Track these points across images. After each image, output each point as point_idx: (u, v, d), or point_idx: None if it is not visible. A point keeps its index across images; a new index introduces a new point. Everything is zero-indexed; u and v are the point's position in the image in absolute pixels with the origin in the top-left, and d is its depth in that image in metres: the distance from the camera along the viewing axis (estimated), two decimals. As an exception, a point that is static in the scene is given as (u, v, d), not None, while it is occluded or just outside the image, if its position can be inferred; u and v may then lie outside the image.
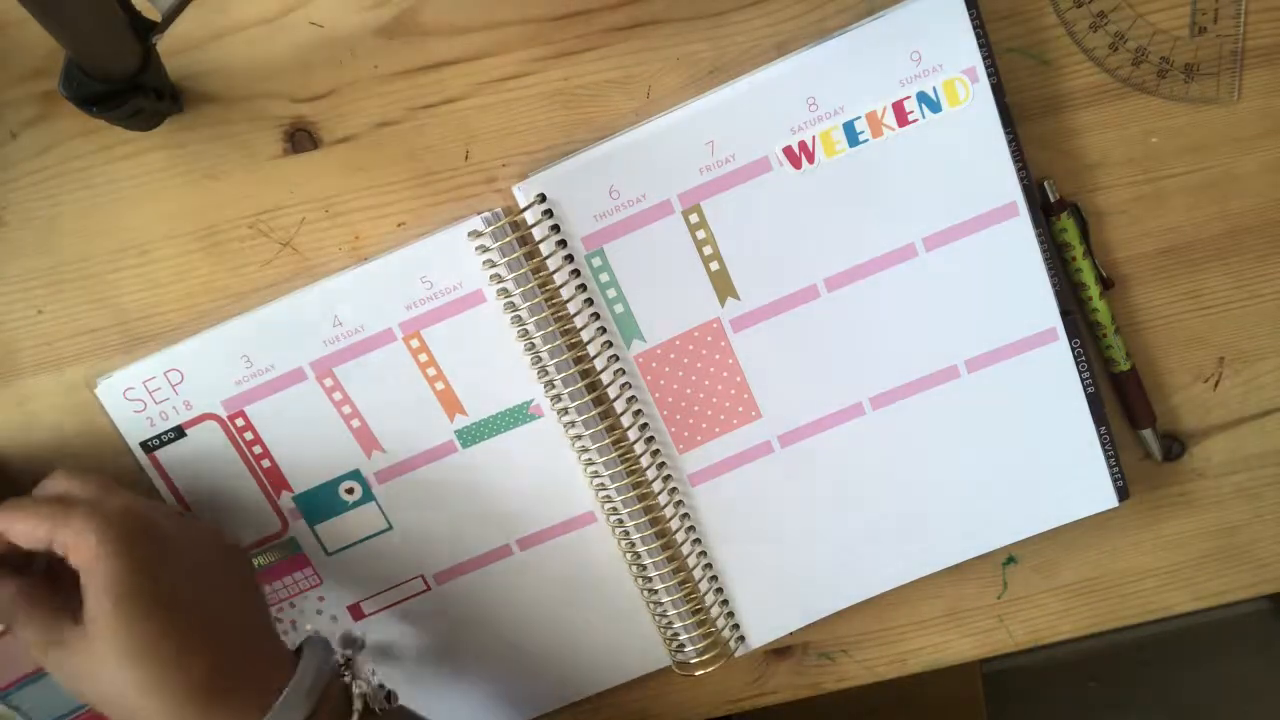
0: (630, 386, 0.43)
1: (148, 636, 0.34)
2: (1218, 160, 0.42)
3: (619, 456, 0.43)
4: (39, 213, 0.42)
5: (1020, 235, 0.41)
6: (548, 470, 0.44)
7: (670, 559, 0.44)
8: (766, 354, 0.43)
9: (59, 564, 0.36)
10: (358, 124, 0.41)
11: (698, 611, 0.45)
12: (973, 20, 0.39)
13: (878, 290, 0.42)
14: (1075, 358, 0.43)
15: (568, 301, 0.41)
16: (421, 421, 0.43)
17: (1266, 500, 0.47)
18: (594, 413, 0.42)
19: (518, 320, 0.41)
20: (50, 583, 0.37)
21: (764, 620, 0.46)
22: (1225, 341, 0.45)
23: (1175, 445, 0.46)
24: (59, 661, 0.36)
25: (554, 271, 0.41)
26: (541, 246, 0.41)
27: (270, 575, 0.45)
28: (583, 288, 0.42)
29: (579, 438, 0.43)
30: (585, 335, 0.42)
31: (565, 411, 0.42)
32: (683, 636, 0.45)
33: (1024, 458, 0.44)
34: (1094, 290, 0.43)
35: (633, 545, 0.44)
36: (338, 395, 0.43)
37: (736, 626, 0.46)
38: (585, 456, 0.43)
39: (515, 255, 0.41)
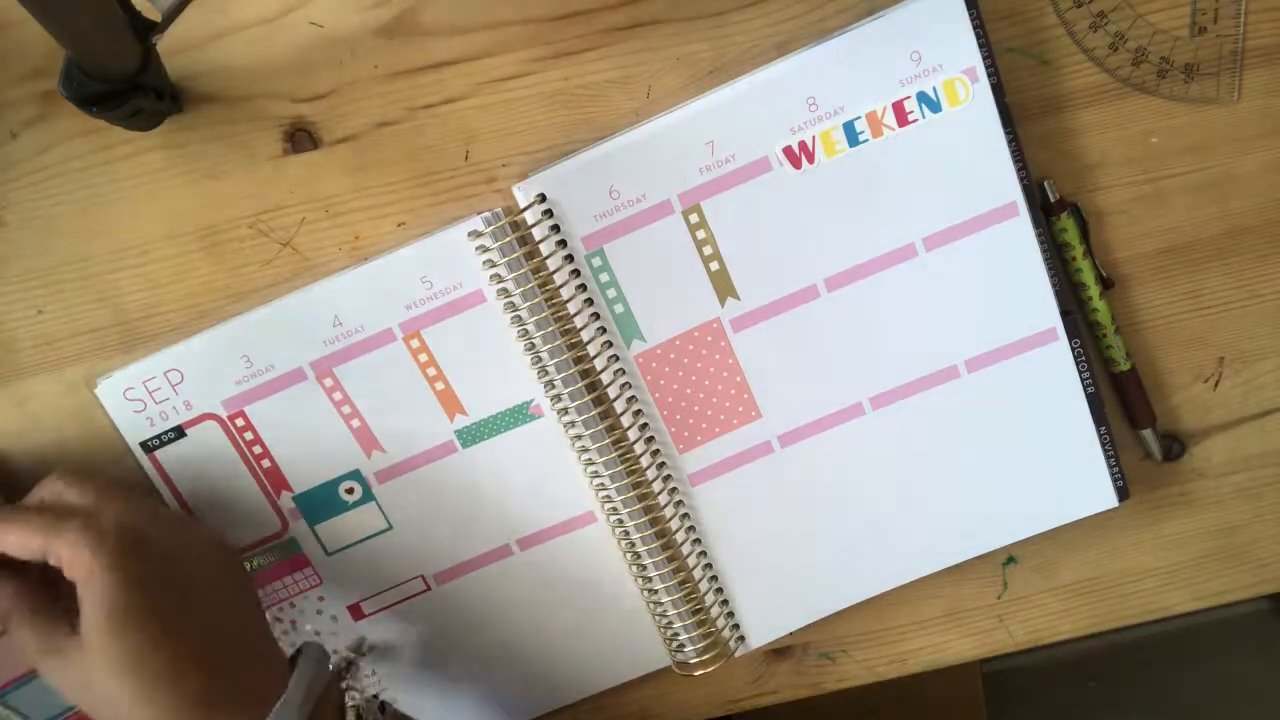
0: (630, 386, 0.43)
1: (142, 649, 0.34)
2: (1218, 160, 0.42)
3: (619, 456, 0.43)
4: (39, 213, 0.42)
5: (1020, 235, 0.41)
6: (548, 470, 0.44)
7: (670, 559, 0.44)
8: (766, 354, 0.43)
9: (56, 569, 0.36)
10: (358, 124, 0.41)
11: (698, 611, 0.45)
12: (973, 20, 0.39)
13: (878, 290, 0.42)
14: (1075, 358, 0.43)
15: (568, 301, 0.41)
16: (421, 421, 0.43)
17: (1266, 500, 0.47)
18: (594, 413, 0.42)
19: (518, 320, 0.41)
20: (47, 587, 0.37)
21: (764, 620, 0.46)
22: (1225, 341, 0.45)
23: (1175, 445, 0.46)
24: (55, 669, 0.36)
25: (554, 271, 0.41)
26: (541, 246, 0.41)
27: (270, 575, 0.45)
28: (583, 288, 0.42)
29: (579, 438, 0.43)
30: (585, 335, 0.42)
31: (565, 411, 0.42)
32: (683, 636, 0.45)
33: (1024, 458, 0.44)
34: (1094, 290, 0.43)
35: (633, 545, 0.44)
36: (338, 395, 0.43)
37: (736, 626, 0.46)
38: (585, 456, 0.43)
39: (515, 255, 0.41)
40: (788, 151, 0.40)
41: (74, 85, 0.34)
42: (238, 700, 0.36)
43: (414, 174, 0.42)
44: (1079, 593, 0.48)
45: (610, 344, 0.42)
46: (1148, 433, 0.45)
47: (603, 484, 0.43)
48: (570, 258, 0.41)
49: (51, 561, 0.35)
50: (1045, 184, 0.42)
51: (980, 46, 0.39)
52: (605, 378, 0.42)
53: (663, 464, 0.44)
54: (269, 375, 0.42)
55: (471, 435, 0.43)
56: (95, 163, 0.41)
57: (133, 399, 0.42)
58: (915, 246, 0.42)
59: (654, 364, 0.43)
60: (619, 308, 0.42)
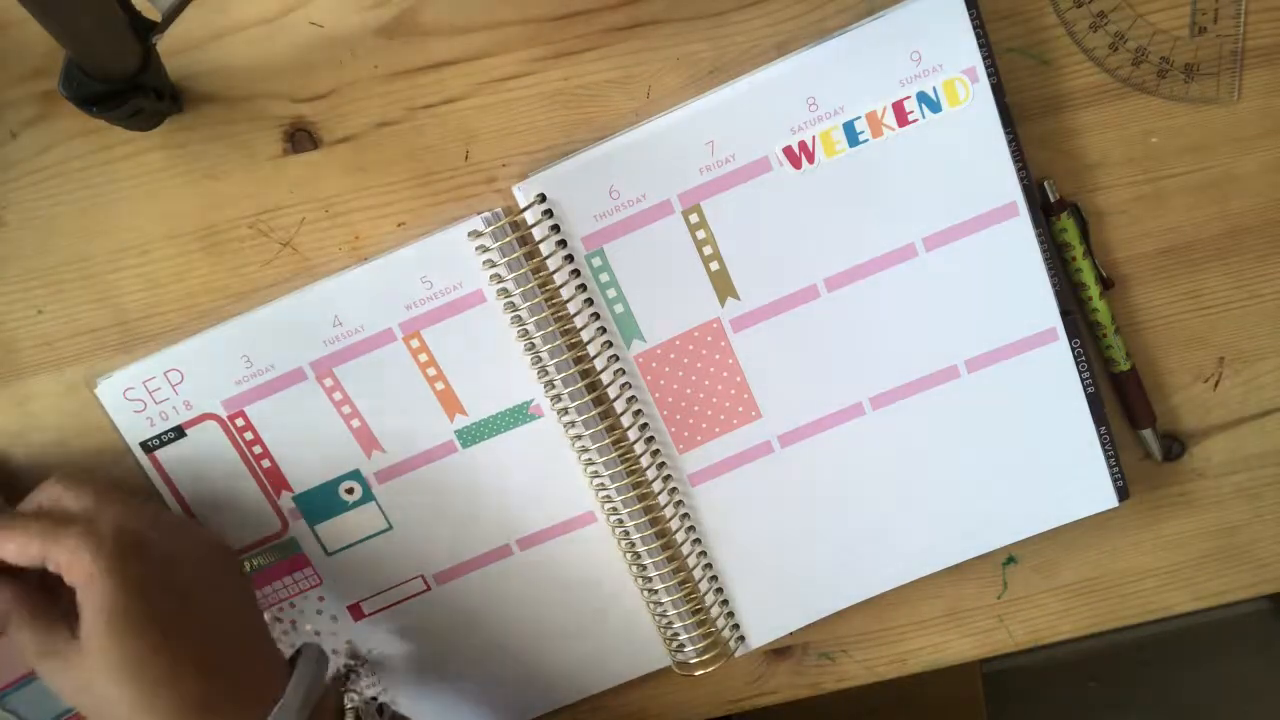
0: (630, 386, 0.43)
1: (142, 654, 0.34)
2: (1218, 160, 0.42)
3: (619, 456, 0.43)
4: (39, 213, 0.42)
5: (1020, 235, 0.41)
6: (548, 470, 0.44)
7: (670, 559, 0.44)
8: (766, 354, 0.43)
9: (56, 573, 0.36)
10: (358, 124, 0.41)
11: (698, 611, 0.45)
12: (973, 20, 0.39)
13: (878, 290, 0.42)
14: (1075, 358, 0.43)
15: (568, 301, 0.41)
16: (421, 421, 0.43)
17: (1266, 500, 0.47)
18: (594, 413, 0.42)
19: (518, 320, 0.41)
20: (46, 590, 0.37)
21: (764, 620, 0.46)
22: (1225, 341, 0.45)
23: (1175, 445, 0.46)
24: (54, 672, 0.36)
25: (554, 271, 0.41)
26: (541, 246, 0.41)
27: (270, 575, 0.45)
28: (583, 288, 0.42)
29: (579, 438, 0.43)
30: (585, 335, 0.42)
31: (565, 411, 0.42)
32: (683, 636, 0.45)
33: (1024, 458, 0.44)
34: (1094, 290, 0.43)
35: (633, 545, 0.44)
36: (338, 395, 0.43)
37: (736, 626, 0.46)
38: (585, 456, 0.43)
39: (515, 255, 0.41)
40: (788, 151, 0.40)
41: (74, 85, 0.34)
42: (237, 702, 0.36)
43: (414, 174, 0.42)
44: (1079, 593, 0.48)
45: (610, 344, 0.42)
46: (1148, 433, 0.45)
47: (603, 484, 0.43)
48: (570, 258, 0.41)
49: (50, 567, 0.35)
50: (1045, 184, 0.42)
51: (980, 46, 0.39)
52: (605, 378, 0.42)
53: (663, 464, 0.44)
54: (269, 375, 0.42)
55: (471, 435, 0.43)
56: (95, 163, 0.41)
57: (133, 399, 0.42)
58: (915, 246, 0.42)
59: (654, 364, 0.43)
60: (619, 308, 0.42)
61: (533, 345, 0.42)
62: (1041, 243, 0.42)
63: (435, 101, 0.41)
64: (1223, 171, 0.43)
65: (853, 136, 0.40)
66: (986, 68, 0.39)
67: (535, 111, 0.41)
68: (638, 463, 0.43)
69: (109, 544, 0.35)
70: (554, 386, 0.42)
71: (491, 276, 0.41)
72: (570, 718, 0.49)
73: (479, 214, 0.41)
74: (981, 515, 0.45)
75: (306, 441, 0.43)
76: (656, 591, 0.44)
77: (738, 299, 0.42)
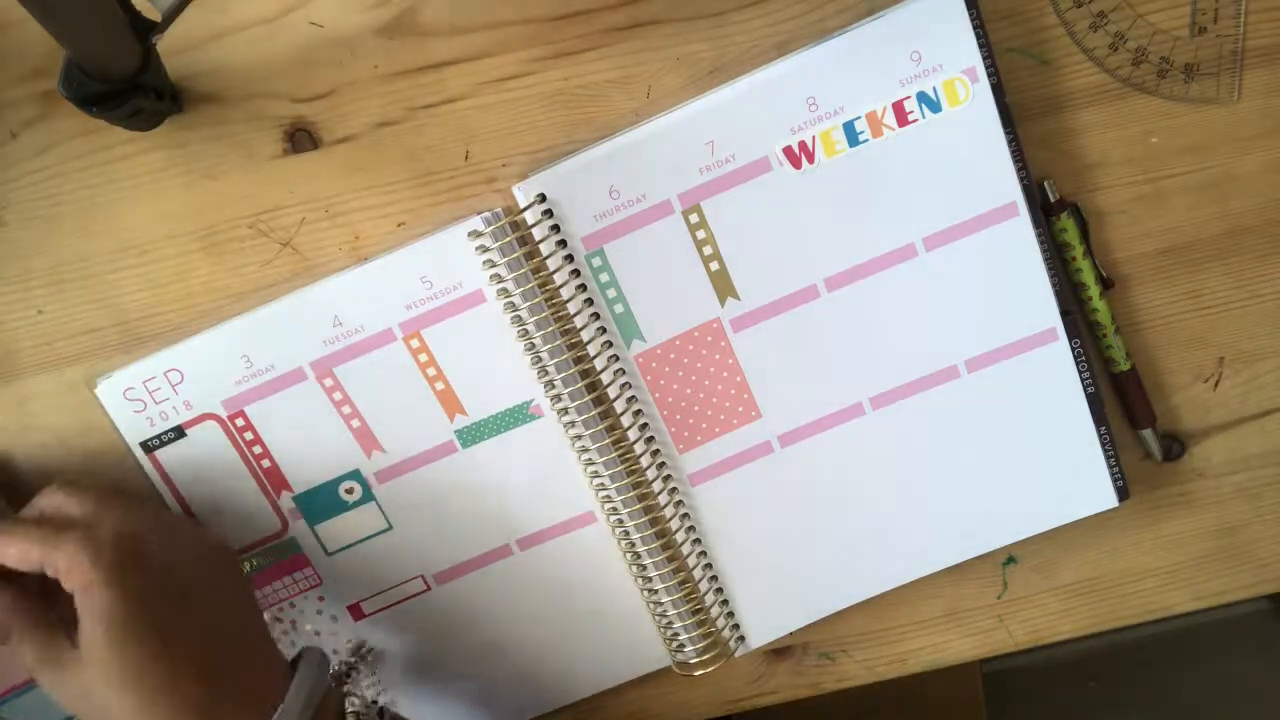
0: (630, 386, 0.43)
1: (141, 662, 0.34)
2: (1218, 160, 0.42)
3: (619, 456, 0.43)
4: (39, 213, 0.42)
5: (1020, 235, 0.41)
6: (548, 470, 0.44)
7: (670, 559, 0.44)
8: (766, 354, 0.43)
9: (55, 579, 0.36)
10: (358, 124, 0.41)
11: (698, 611, 0.45)
12: (973, 20, 0.39)
13: (878, 290, 0.42)
14: (1075, 358, 0.43)
15: (568, 301, 0.41)
16: (421, 421, 0.43)
17: (1266, 500, 0.47)
18: (594, 413, 0.42)
19: (518, 320, 0.41)
20: (46, 598, 0.37)
21: (764, 620, 0.46)
22: (1225, 341, 0.45)
23: (1175, 445, 0.46)
24: (54, 681, 0.36)
25: (554, 271, 0.41)
26: (541, 246, 0.41)
27: (270, 575, 0.45)
28: (583, 288, 0.42)
29: (579, 438, 0.43)
30: (585, 335, 0.42)
31: (565, 411, 0.42)
32: (683, 636, 0.45)
33: (1024, 458, 0.44)
34: (1094, 290, 0.43)
35: (633, 545, 0.44)
36: (338, 395, 0.43)
37: (736, 626, 0.46)
38: (585, 456, 0.43)
39: (515, 255, 0.41)
40: (788, 151, 0.40)
41: (74, 85, 0.34)
42: (238, 704, 0.36)
43: (414, 174, 0.42)
44: (1079, 593, 0.48)
45: (610, 344, 0.42)
46: (1148, 433, 0.45)
47: (603, 484, 0.43)
48: (570, 258, 0.41)
49: (49, 573, 0.35)
50: (1045, 184, 0.42)
51: (980, 46, 0.39)
52: (605, 378, 0.42)
53: (663, 464, 0.44)
54: (269, 375, 0.42)
55: (471, 435, 0.43)
56: (95, 163, 0.41)
57: (133, 399, 0.42)
58: (915, 246, 0.42)
59: (654, 364, 0.43)
60: (619, 308, 0.42)
61: (533, 345, 0.42)
62: (1041, 243, 0.42)
63: (435, 101, 0.41)
64: (1223, 171, 0.43)
65: (853, 136, 0.40)
66: (986, 68, 0.39)
67: (535, 111, 0.41)
68: (638, 463, 0.43)
69: (107, 551, 0.35)
70: (554, 386, 0.42)
71: (491, 276, 0.41)
72: (570, 718, 0.49)
73: (479, 214, 0.41)
74: (981, 515, 0.45)
75: (306, 441, 0.43)
76: (656, 591, 0.44)
77: (738, 299, 0.42)
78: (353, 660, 0.46)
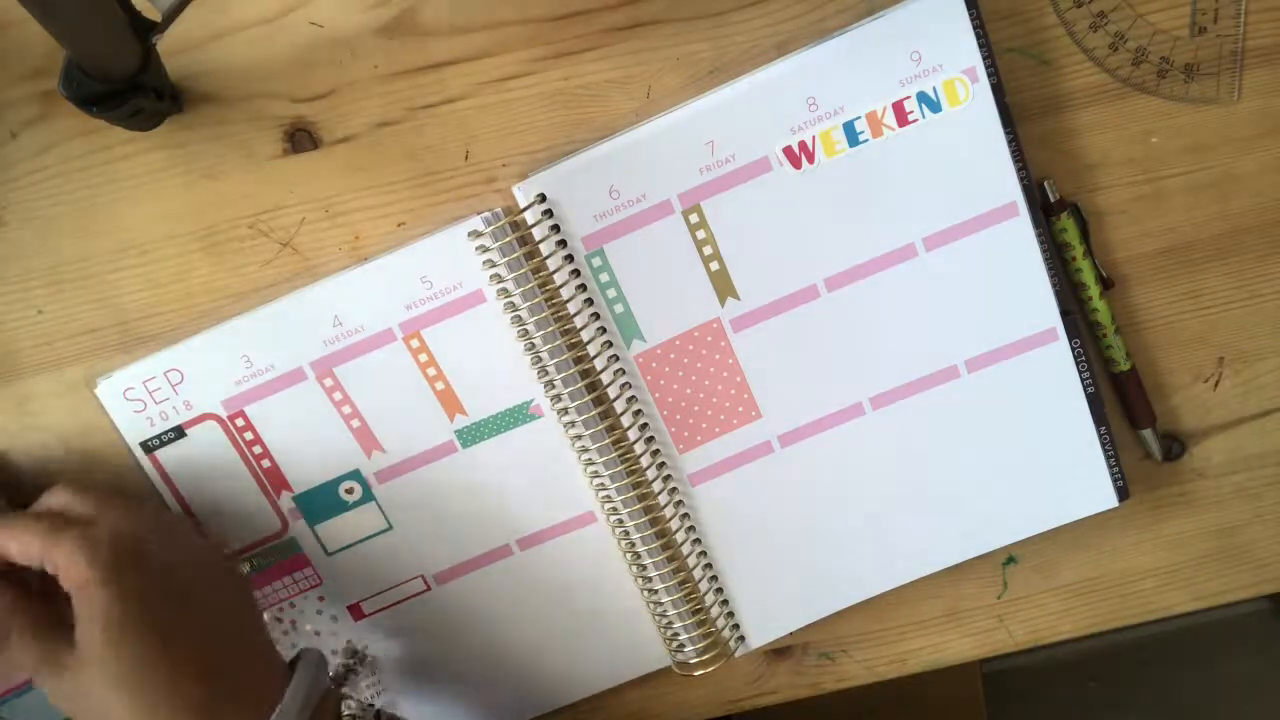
0: (630, 386, 0.43)
1: (138, 663, 0.34)
2: (1218, 160, 0.42)
3: (619, 456, 0.43)
4: (39, 213, 0.42)
5: (1020, 235, 0.41)
6: (548, 470, 0.44)
7: (670, 559, 0.44)
8: (766, 354, 0.43)
9: (55, 578, 0.36)
10: (358, 124, 0.41)
11: (698, 611, 0.45)
12: (973, 20, 0.39)
13: (878, 290, 0.42)
14: (1075, 358, 0.43)
15: (568, 301, 0.41)
16: (421, 421, 0.43)
17: (1266, 500, 0.47)
18: (594, 413, 0.42)
19: (518, 320, 0.41)
20: (46, 599, 0.37)
21: (764, 620, 0.46)
22: (1225, 341, 0.45)
23: (1175, 445, 0.46)
24: (52, 681, 0.36)
25: (554, 271, 0.41)
26: (541, 246, 0.41)
27: (270, 575, 0.45)
28: (583, 288, 0.42)
29: (579, 438, 0.43)
30: (585, 335, 0.42)
31: (565, 411, 0.42)
32: (683, 636, 0.45)
33: (1024, 458, 0.44)
34: (1094, 290, 0.43)
35: (633, 545, 0.44)
36: (338, 395, 0.43)
37: (736, 626, 0.46)
38: (585, 456, 0.43)
39: (515, 255, 0.41)
40: (788, 151, 0.40)
41: (74, 85, 0.34)
42: (237, 704, 0.36)
43: (414, 174, 0.42)
44: (1079, 593, 0.48)
45: (610, 344, 0.42)
46: (1148, 433, 0.45)
47: (603, 484, 0.43)
48: (570, 258, 0.41)
49: (49, 570, 0.35)
50: (1045, 184, 0.42)
51: (980, 46, 0.39)
52: (605, 378, 0.42)
53: (663, 464, 0.44)
54: (269, 375, 0.42)
55: (471, 435, 0.43)
56: (95, 163, 0.41)
57: (133, 399, 0.42)
58: (915, 246, 0.42)
59: (654, 364, 0.43)
60: (619, 308, 0.42)
61: (533, 345, 0.42)
62: (1041, 243, 0.42)
63: (435, 101, 0.41)
64: (1223, 171, 0.43)
65: (853, 136, 0.40)
66: (986, 68, 0.39)
67: (535, 111, 0.41)
68: (638, 463, 0.43)
69: (105, 551, 0.35)
70: (554, 386, 0.42)
71: (491, 276, 0.41)
72: (570, 718, 0.49)
73: (479, 214, 0.41)
74: (981, 515, 0.45)
75: (306, 441, 0.43)
76: (656, 591, 0.44)
77: (738, 299, 0.42)
78: (350, 662, 0.46)
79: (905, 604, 0.48)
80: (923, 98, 0.40)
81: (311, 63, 0.40)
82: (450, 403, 0.43)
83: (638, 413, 0.43)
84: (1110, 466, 0.44)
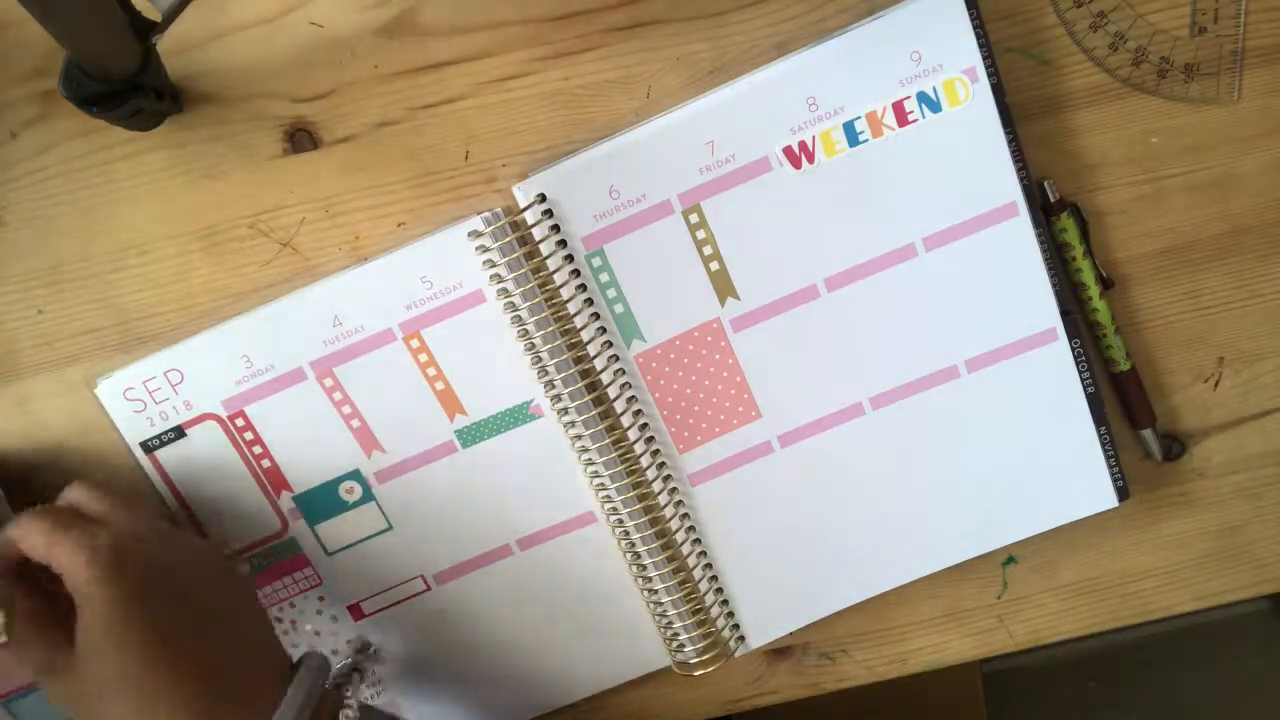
0: (630, 386, 0.43)
1: (136, 665, 0.34)
2: (1218, 160, 0.42)
3: (619, 456, 0.43)
4: (39, 213, 0.42)
5: (1020, 235, 0.41)
6: (548, 470, 0.44)
7: (670, 559, 0.44)
8: (766, 354, 0.43)
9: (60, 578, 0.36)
10: (358, 124, 0.41)
11: (698, 611, 0.45)
12: (973, 20, 0.39)
13: (878, 290, 0.42)
14: (1075, 358, 0.43)
15: (568, 301, 0.41)
16: (421, 421, 0.43)
17: (1266, 500, 0.47)
18: (594, 413, 0.42)
19: (518, 320, 0.41)
20: (51, 599, 0.37)
21: (764, 620, 0.46)
22: (1225, 341, 0.45)
23: (1175, 445, 0.46)
24: (52, 685, 0.36)
25: (554, 271, 0.41)
26: (541, 246, 0.41)
27: (270, 575, 0.45)
28: (583, 288, 0.42)
29: (579, 438, 0.43)
30: (585, 335, 0.42)
31: (565, 411, 0.42)
32: (683, 636, 0.45)
33: (1024, 458, 0.44)
34: (1094, 290, 0.43)
35: (633, 545, 0.44)
36: (338, 395, 0.43)
37: (736, 626, 0.46)
38: (585, 456, 0.43)
39: (515, 255, 0.41)
40: (788, 151, 0.40)
41: (74, 85, 0.34)
42: (236, 704, 0.36)
43: (414, 174, 0.42)
44: (1079, 593, 0.48)
45: (610, 344, 0.42)
46: (1148, 433, 0.45)
47: (603, 484, 0.43)
48: (570, 258, 0.41)
49: (54, 567, 0.35)
50: (1045, 184, 0.42)
51: (980, 46, 0.39)
52: (605, 378, 0.42)
53: (663, 464, 0.44)
54: (269, 375, 0.42)
55: (471, 435, 0.43)
56: (95, 163, 0.41)
57: (133, 399, 0.42)
58: (915, 246, 0.42)
59: (654, 364, 0.43)
60: (619, 308, 0.42)
61: (533, 345, 0.42)
62: (1041, 243, 0.42)
63: (435, 101, 0.41)
64: (1223, 171, 0.43)
65: (853, 136, 0.40)
66: (986, 68, 0.39)
67: (535, 111, 0.41)
68: (638, 463, 0.43)
69: (105, 553, 0.35)
70: (554, 386, 0.42)
71: (491, 276, 0.41)
72: (570, 718, 0.49)
73: (479, 214, 0.41)
74: (981, 515, 0.45)
75: (306, 441, 0.43)
76: (656, 591, 0.44)
77: (738, 299, 0.42)
78: (358, 659, 0.46)
79: (905, 604, 0.48)
80: (923, 98, 0.40)
81: (311, 63, 0.40)
82: (450, 403, 0.43)
83: (638, 413, 0.43)
84: (1110, 466, 0.44)
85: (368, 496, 0.44)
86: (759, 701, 0.50)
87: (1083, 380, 0.43)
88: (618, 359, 0.42)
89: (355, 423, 0.43)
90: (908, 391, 0.43)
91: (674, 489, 0.44)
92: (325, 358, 0.42)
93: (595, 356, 0.42)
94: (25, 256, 0.42)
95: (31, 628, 0.36)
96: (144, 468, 0.43)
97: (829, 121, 0.40)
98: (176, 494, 0.44)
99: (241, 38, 0.40)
